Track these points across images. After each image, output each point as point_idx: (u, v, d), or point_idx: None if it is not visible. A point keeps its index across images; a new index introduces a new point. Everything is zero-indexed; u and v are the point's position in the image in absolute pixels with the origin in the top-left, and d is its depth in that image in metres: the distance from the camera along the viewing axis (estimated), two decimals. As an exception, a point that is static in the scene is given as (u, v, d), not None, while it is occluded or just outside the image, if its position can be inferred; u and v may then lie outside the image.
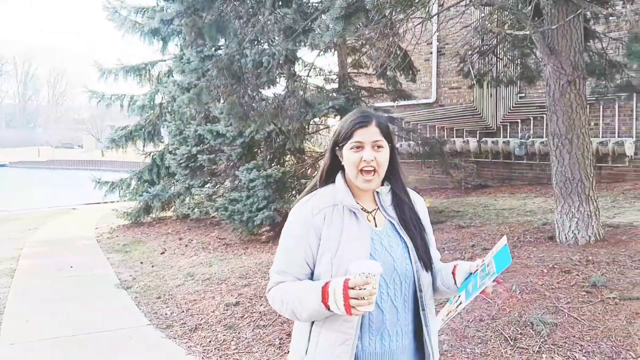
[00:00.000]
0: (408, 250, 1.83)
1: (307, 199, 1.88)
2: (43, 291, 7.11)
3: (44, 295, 6.88)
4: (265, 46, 7.35)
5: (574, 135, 5.64)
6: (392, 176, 1.90)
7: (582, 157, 5.66)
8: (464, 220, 8.44)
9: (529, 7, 5.62)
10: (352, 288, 1.58)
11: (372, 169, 1.78)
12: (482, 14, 6.47)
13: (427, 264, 1.86)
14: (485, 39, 7.90)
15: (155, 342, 5.06)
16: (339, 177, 1.89)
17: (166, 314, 5.86)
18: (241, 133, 8.74)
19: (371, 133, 1.80)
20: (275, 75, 6.33)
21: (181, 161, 10.88)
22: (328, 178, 1.90)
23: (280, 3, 5.52)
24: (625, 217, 7.87)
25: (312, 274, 1.82)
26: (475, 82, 9.17)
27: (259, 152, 9.98)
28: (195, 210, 11.13)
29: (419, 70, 14.76)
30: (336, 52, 9.42)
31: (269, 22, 5.74)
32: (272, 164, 9.41)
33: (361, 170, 1.79)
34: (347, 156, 1.82)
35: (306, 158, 10.67)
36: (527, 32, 5.17)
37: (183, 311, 5.86)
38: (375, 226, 1.84)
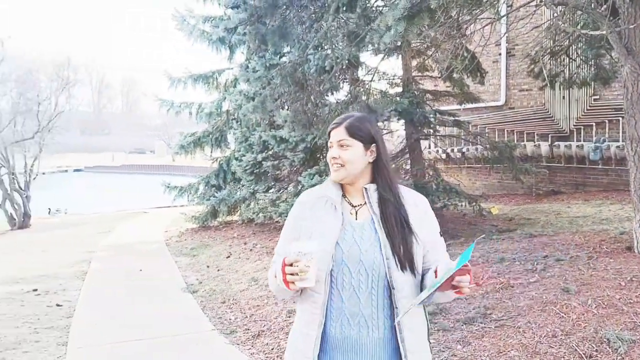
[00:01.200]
0: (380, 246, 1.90)
1: (312, 189, 2.12)
2: (112, 295, 7.34)
3: (113, 299, 7.10)
4: (329, 52, 7.35)
5: (655, 139, 5.29)
6: (377, 175, 2.01)
7: (665, 163, 5.30)
8: (535, 229, 8.12)
9: (604, 6, 5.33)
10: (290, 265, 1.77)
11: (338, 164, 1.97)
12: (555, 14, 6.19)
13: (403, 262, 1.90)
14: (557, 39, 7.57)
15: (219, 348, 5.10)
16: None
17: (230, 319, 5.91)
18: (303, 139, 8.74)
19: (338, 133, 2.00)
20: (338, 81, 6.27)
21: (246, 167, 11.02)
22: None
23: (344, 8, 5.47)
24: None
25: None
26: (547, 83, 8.82)
27: (321, 157, 9.98)
28: (260, 214, 11.23)
29: (487, 72, 14.47)
30: (400, 55, 9.29)
31: (332, 28, 5.70)
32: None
33: (332, 165, 1.99)
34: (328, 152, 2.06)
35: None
36: (603, 32, 4.89)
37: (247, 317, 5.89)
38: (356, 219, 1.98)
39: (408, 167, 9.81)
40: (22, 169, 18.40)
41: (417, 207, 2.00)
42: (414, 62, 10.32)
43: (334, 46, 6.06)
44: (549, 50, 8.03)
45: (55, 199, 28.03)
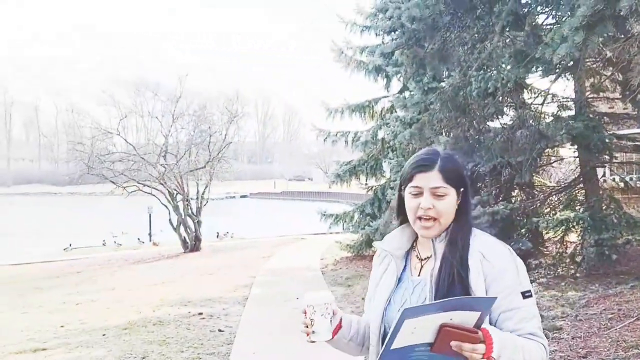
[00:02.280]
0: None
1: (384, 240, 1.85)
2: (270, 322, 7.43)
3: (271, 327, 7.16)
4: (494, 73, 6.89)
5: None
6: (456, 223, 1.67)
7: None
8: None
9: None
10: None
11: (429, 217, 1.62)
12: None
13: None
14: None
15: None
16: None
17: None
18: (465, 167, 8.30)
19: (431, 179, 1.63)
20: (503, 105, 5.81)
21: (402, 196, 10.78)
22: (400, 216, 1.78)
23: (510, 26, 5.05)
24: None
25: None
26: None
27: (483, 186, 9.42)
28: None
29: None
30: (572, 75, 8.52)
31: (497, 48, 5.30)
32: (498, 200, 8.77)
33: (419, 217, 1.64)
34: (407, 200, 1.68)
35: (536, 193, 9.79)
36: None
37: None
38: (419, 275, 1.70)
39: (581, 197, 8.92)
40: (194, 196, 19.86)
41: (489, 262, 1.60)
42: (588, 82, 9.43)
43: (499, 67, 5.64)
44: None
45: (222, 223, 29.95)
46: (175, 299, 9.43)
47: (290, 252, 15.81)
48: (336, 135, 13.77)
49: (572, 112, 8.58)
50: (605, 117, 9.65)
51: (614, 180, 13.25)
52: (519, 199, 9.14)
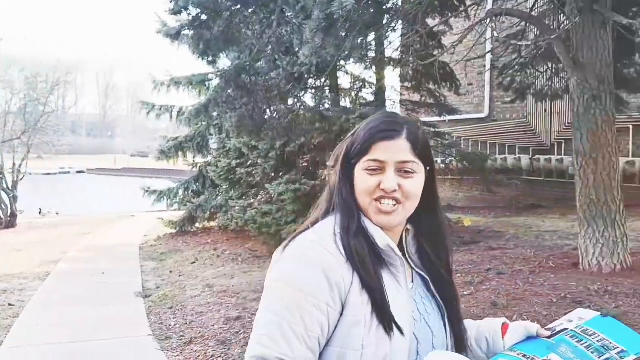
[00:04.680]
0: (444, 320, 1.31)
1: (318, 237, 1.25)
2: (66, 296, 7.30)
3: (66, 301, 7.05)
4: (300, 58, 7.31)
5: (599, 154, 5.22)
6: (426, 213, 1.33)
7: (609, 178, 5.22)
8: (498, 242, 8.02)
9: (552, 18, 5.29)
10: None
11: (395, 201, 1.23)
12: (493, 26, 6.13)
13: (461, 339, 1.34)
14: (522, 51, 7.50)
15: (147, 354, 5.04)
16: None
17: (170, 325, 5.85)
18: (272, 146, 8.71)
19: (398, 150, 1.23)
20: (288, 87, 6.22)
21: (221, 173, 10.99)
22: (344, 204, 1.28)
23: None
24: (677, 245, 7.23)
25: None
26: (517, 96, 8.76)
27: (297, 164, 9.93)
28: (233, 221, 11.18)
29: (472, 84, 14.40)
30: (373, 64, 9.25)
31: (281, 34, 5.66)
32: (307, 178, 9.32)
33: (377, 199, 1.23)
34: (359, 178, 1.25)
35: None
36: (541, 43, 4.83)
37: (186, 323, 5.82)
38: (412, 281, 1.32)
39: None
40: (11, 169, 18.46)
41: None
42: (394, 72, 10.26)
43: (279, 53, 6.02)
44: (516, 61, 7.97)
45: (51, 200, 28.07)
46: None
47: (115, 230, 15.36)
48: (160, 109, 13.52)
49: (372, 98, 9.32)
50: (409, 105, 10.63)
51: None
52: (325, 177, 9.77)
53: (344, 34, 4.71)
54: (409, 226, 1.32)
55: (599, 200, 5.24)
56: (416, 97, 10.88)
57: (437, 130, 10.59)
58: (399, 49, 8.99)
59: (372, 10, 5.37)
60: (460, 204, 13.57)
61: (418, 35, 7.61)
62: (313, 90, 7.50)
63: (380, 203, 1.23)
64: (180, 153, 13.71)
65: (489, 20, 5.30)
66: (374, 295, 1.17)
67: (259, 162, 9.84)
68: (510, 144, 13.13)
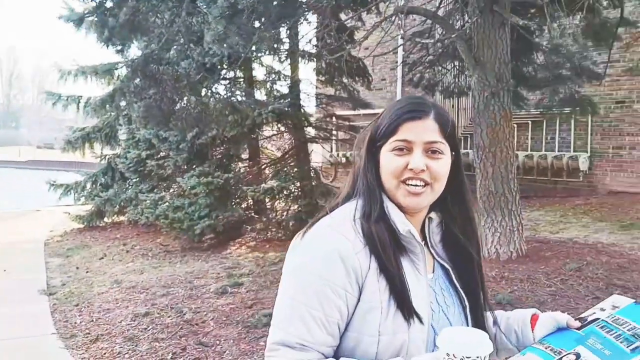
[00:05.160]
0: (465, 313, 1.30)
1: (335, 222, 1.24)
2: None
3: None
4: (213, 49, 7.20)
5: (497, 148, 5.52)
6: (454, 199, 1.32)
7: (506, 171, 5.54)
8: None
9: (457, 17, 5.52)
10: None
11: (423, 182, 1.22)
12: (399, 24, 6.37)
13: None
14: (429, 48, 7.79)
15: (50, 353, 4.85)
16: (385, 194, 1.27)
17: (75, 323, 5.65)
18: (184, 138, 8.55)
19: (426, 129, 1.23)
20: (197, 77, 6.14)
21: (130, 165, 10.68)
22: (368, 189, 1.27)
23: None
24: (569, 233, 7.78)
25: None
26: (425, 92, 9.07)
27: (210, 156, 9.80)
28: (144, 216, 10.89)
29: (385, 79, 14.78)
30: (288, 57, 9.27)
31: (189, 24, 5.56)
32: (219, 171, 9.23)
33: (405, 181, 1.22)
34: (387, 160, 1.24)
35: (262, 161, 10.45)
36: (446, 42, 5.04)
37: (93, 320, 5.65)
38: (433, 271, 1.31)
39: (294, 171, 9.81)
40: None
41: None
42: (309, 65, 10.34)
43: (189, 43, 5.93)
44: (424, 58, 8.26)
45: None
46: None
47: (18, 225, 14.55)
48: (67, 99, 12.90)
49: (286, 91, 9.34)
50: (324, 98, 10.75)
51: (338, 155, 14.88)
52: (240, 170, 9.72)
53: (257, 25, 4.72)
54: (432, 214, 1.31)
55: (497, 192, 5.55)
56: (331, 91, 11.05)
57: (351, 123, 10.79)
58: (311, 42, 9.12)
59: (283, 2, 5.39)
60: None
61: (328, 29, 7.73)
62: (226, 81, 7.43)
63: (408, 185, 1.22)
64: (87, 144, 13.18)
65: (394, 17, 5.45)
66: (393, 281, 1.17)
67: (170, 154, 9.63)
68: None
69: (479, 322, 1.31)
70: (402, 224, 1.22)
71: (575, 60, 7.06)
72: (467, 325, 1.28)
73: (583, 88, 7.84)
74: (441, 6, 6.70)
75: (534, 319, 1.34)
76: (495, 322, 1.38)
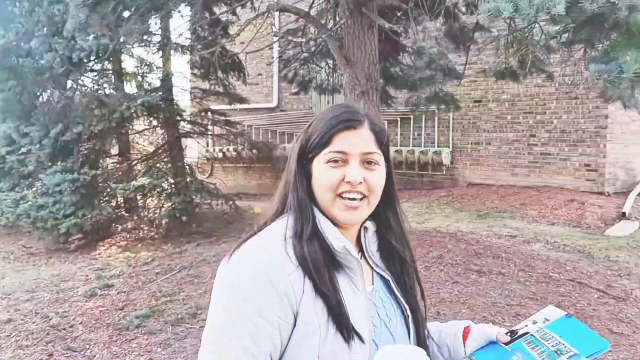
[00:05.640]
0: (407, 324, 1.25)
1: (263, 242, 1.15)
2: None
3: None
4: (79, 42, 6.81)
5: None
6: (385, 209, 1.28)
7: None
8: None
9: (330, 17, 5.69)
10: None
11: (361, 195, 1.17)
12: (272, 21, 6.49)
13: (426, 343, 1.29)
14: (303, 46, 7.94)
15: None
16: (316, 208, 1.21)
17: None
18: (47, 133, 8.04)
19: (362, 140, 1.18)
20: (61, 70, 5.81)
21: (-12, 162, 9.84)
22: (299, 205, 1.19)
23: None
24: (433, 223, 8.31)
25: None
26: (300, 88, 9.24)
27: (75, 152, 9.29)
28: (4, 216, 10.10)
29: (261, 75, 14.80)
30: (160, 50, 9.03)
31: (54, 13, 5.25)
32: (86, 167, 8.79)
33: (341, 195, 1.16)
34: (321, 173, 1.18)
35: (133, 157, 10.09)
36: (319, 41, 5.19)
37: (-56, 332, 5.17)
38: (372, 283, 1.25)
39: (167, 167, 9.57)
40: None
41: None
42: (182, 58, 10.12)
43: (52, 34, 5.60)
44: (298, 55, 8.40)
45: None
46: None
47: None
48: None
49: (158, 84, 9.10)
50: (199, 92, 10.56)
51: (214, 151, 14.68)
52: (107, 166, 9.31)
53: (126, 15, 4.54)
54: (367, 223, 1.26)
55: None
56: (206, 85, 10.91)
57: (227, 118, 10.72)
58: (184, 35, 8.96)
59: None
60: (253, 191, 13.91)
61: (201, 22, 7.64)
62: (93, 74, 7.08)
63: (344, 198, 1.16)
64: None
65: (267, 14, 5.51)
66: (329, 302, 1.08)
67: (32, 149, 9.01)
68: (299, 133, 13.76)
69: (420, 334, 1.28)
70: (337, 239, 1.15)
71: (437, 60, 7.53)
72: (409, 337, 1.25)
73: (445, 87, 8.38)
74: (313, 6, 6.85)
75: (466, 332, 1.31)
76: (429, 336, 1.34)
